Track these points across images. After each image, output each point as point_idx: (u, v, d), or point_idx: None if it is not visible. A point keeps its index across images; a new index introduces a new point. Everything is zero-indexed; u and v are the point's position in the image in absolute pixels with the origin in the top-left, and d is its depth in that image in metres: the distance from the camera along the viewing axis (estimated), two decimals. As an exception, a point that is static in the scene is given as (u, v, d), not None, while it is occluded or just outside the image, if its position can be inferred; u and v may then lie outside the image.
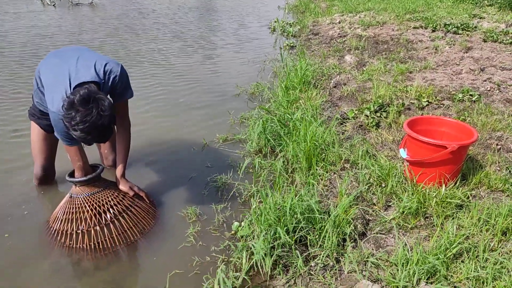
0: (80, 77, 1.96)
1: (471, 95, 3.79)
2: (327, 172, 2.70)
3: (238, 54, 6.51)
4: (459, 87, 4.11)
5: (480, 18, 7.64)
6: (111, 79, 2.08)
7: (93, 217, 2.23)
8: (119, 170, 2.38)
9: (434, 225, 2.14)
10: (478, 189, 2.45)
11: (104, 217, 2.25)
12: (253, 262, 1.94)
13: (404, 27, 7.03)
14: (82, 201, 2.24)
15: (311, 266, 1.96)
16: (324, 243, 2.02)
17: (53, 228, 2.27)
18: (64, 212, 2.25)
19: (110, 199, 2.30)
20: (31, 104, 2.48)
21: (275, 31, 8.51)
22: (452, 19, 7.44)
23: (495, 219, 2.06)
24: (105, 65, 2.06)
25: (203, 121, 3.89)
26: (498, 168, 2.65)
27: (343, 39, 6.54)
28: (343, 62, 5.32)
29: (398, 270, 1.81)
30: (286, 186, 2.56)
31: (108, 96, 2.12)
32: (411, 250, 1.89)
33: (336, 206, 2.19)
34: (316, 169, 2.69)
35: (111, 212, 2.27)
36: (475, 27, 6.62)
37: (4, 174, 2.88)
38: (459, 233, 1.97)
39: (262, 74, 5.34)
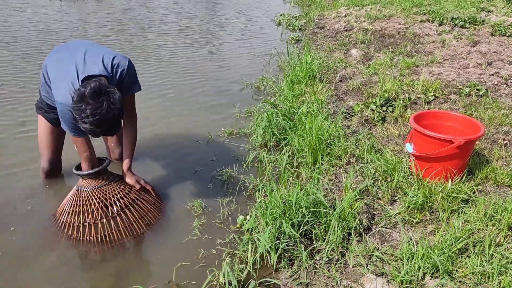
0: (88, 71, 1.97)
1: (478, 89, 3.76)
2: (332, 167, 2.70)
3: (244, 48, 6.49)
4: (466, 81, 4.08)
5: (488, 11, 7.55)
6: (118, 73, 2.09)
7: (100, 210, 2.25)
8: (125, 163, 2.39)
9: (439, 220, 2.14)
10: (485, 184, 2.44)
11: (111, 210, 2.27)
12: (258, 256, 1.95)
13: (411, 20, 6.97)
14: (89, 194, 2.26)
15: (316, 259, 1.97)
16: (329, 237, 2.02)
17: (60, 220, 2.30)
18: (71, 204, 2.27)
19: (116, 192, 2.32)
20: (38, 98, 2.50)
21: (281, 24, 8.46)
22: (460, 12, 7.36)
23: (501, 214, 2.06)
24: (113, 58, 2.06)
25: (208, 115, 3.89)
26: (505, 163, 2.63)
27: (349, 33, 6.50)
28: (349, 56, 5.29)
29: (403, 264, 1.81)
30: (292, 180, 2.57)
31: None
32: (416, 245, 1.89)
33: (342, 200, 2.19)
34: (322, 164, 2.69)
35: (118, 205, 2.29)
36: (483, 20, 6.55)
37: (10, 167, 2.91)
38: (465, 228, 1.97)
39: (267, 68, 5.32)
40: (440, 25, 6.61)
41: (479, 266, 1.76)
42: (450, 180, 2.32)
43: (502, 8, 7.90)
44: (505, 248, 1.88)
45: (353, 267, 1.90)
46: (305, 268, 1.92)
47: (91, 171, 2.25)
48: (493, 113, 3.29)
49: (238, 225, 2.31)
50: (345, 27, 6.93)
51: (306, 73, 4.27)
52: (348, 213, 2.09)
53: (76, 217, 2.25)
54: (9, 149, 3.15)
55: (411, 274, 1.76)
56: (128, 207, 2.32)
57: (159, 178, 2.82)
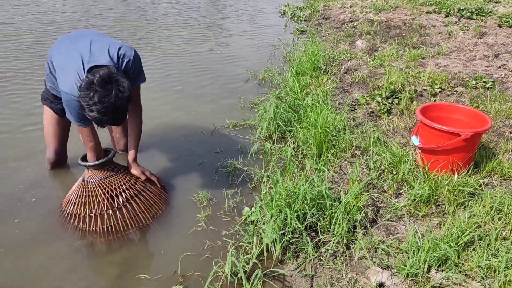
0: (94, 61, 1.96)
1: (484, 82, 3.73)
2: (337, 159, 2.69)
3: (248, 39, 6.44)
4: (473, 73, 4.04)
5: (496, 2, 7.45)
6: (124, 63, 2.08)
7: (106, 200, 2.25)
8: (131, 154, 2.39)
9: (445, 213, 2.14)
10: (491, 177, 2.43)
11: (116, 201, 2.28)
12: (263, 247, 1.96)
13: (417, 11, 6.89)
14: (95, 185, 2.27)
15: (321, 252, 1.97)
16: (334, 230, 2.02)
17: (66, 211, 2.31)
18: (77, 195, 2.28)
19: (122, 183, 2.32)
20: (44, 89, 2.49)
21: (285, 15, 8.39)
22: (467, 3, 7.27)
23: (508, 208, 2.05)
24: (119, 49, 2.05)
25: (212, 106, 3.88)
26: (512, 157, 2.62)
27: (355, 24, 6.44)
28: (354, 47, 5.25)
29: (408, 257, 1.81)
30: (297, 173, 2.56)
31: None
32: (422, 238, 1.89)
33: (347, 192, 2.19)
34: (327, 156, 2.68)
35: (123, 196, 2.29)
36: (490, 12, 6.46)
37: (16, 159, 2.91)
38: (471, 221, 1.96)
39: (272, 59, 5.29)
40: (446, 16, 6.53)
41: (485, 260, 1.76)
42: (456, 173, 2.31)
43: (510, -1, 7.78)
44: None
45: (358, 259, 1.91)
46: (310, 260, 1.92)
47: (97, 162, 2.25)
48: (499, 106, 3.26)
49: (243, 217, 2.31)
50: (350, 18, 6.86)
51: (311, 64, 4.24)
52: (354, 205, 2.09)
53: (82, 208, 2.25)
54: (14, 141, 3.15)
55: (416, 267, 1.76)
56: (134, 198, 2.32)
57: (164, 169, 2.83)
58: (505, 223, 2.00)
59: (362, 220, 2.09)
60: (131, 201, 2.31)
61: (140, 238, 2.24)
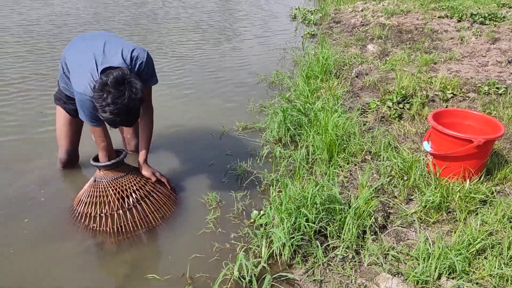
0: (107, 62, 1.98)
1: (497, 88, 3.69)
2: (348, 163, 2.68)
3: (258, 42, 6.45)
4: (485, 79, 4.00)
5: (510, 7, 7.37)
6: (137, 65, 2.10)
7: (116, 201, 2.27)
8: (141, 155, 2.41)
9: (456, 220, 2.11)
10: (503, 185, 2.40)
11: (127, 201, 2.29)
12: (272, 251, 1.95)
13: (429, 16, 6.85)
14: (106, 185, 2.29)
15: (330, 257, 1.96)
16: (343, 235, 2.01)
17: (77, 210, 2.33)
18: (88, 195, 2.30)
19: (133, 184, 2.34)
20: (57, 89, 2.52)
21: (296, 18, 8.40)
22: (479, 8, 7.20)
23: (520, 216, 2.02)
24: (132, 51, 2.07)
25: (222, 109, 3.90)
26: (525, 164, 2.58)
27: (366, 28, 6.42)
28: (365, 51, 5.23)
29: (419, 264, 1.79)
30: (307, 177, 2.56)
31: None
32: (432, 245, 1.87)
33: (357, 197, 2.18)
34: (337, 160, 2.68)
35: (134, 196, 2.31)
36: (504, 17, 6.40)
37: (28, 159, 2.95)
38: (483, 229, 1.94)
39: (282, 62, 5.29)
40: (459, 21, 6.48)
41: (497, 269, 1.74)
42: (468, 180, 2.29)
43: (524, 4, 7.69)
44: (524, 251, 1.85)
45: (368, 265, 1.89)
46: (319, 265, 1.91)
47: (108, 163, 2.27)
48: (513, 112, 3.22)
49: (252, 220, 2.31)
50: (361, 22, 6.84)
51: (321, 68, 4.24)
52: (364, 211, 2.08)
53: (93, 207, 2.27)
54: (26, 141, 3.19)
55: (427, 274, 1.74)
56: (144, 199, 2.34)
57: (174, 171, 2.84)
58: (518, 231, 1.97)
59: (372, 226, 2.08)
60: (141, 202, 2.32)
61: (150, 238, 2.25)
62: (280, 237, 1.93)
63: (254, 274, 1.86)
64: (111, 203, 2.27)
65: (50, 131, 3.24)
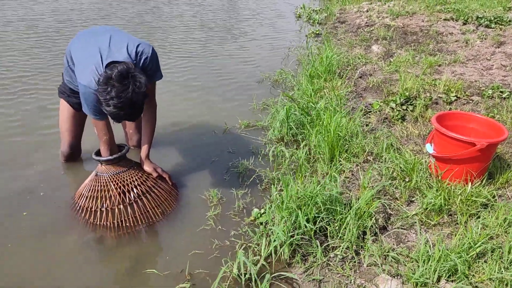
0: (112, 57, 1.98)
1: (501, 91, 3.68)
2: (349, 164, 2.68)
3: (263, 41, 6.44)
4: (489, 83, 3.99)
5: (516, 11, 7.34)
6: (142, 60, 2.10)
7: (117, 196, 2.27)
8: (144, 151, 2.41)
9: (457, 223, 2.11)
10: (505, 189, 2.39)
11: (128, 196, 2.29)
12: (271, 250, 1.95)
13: (434, 18, 6.83)
14: (107, 179, 2.29)
15: (330, 257, 1.96)
16: (344, 235, 2.01)
17: (78, 204, 2.33)
18: (90, 189, 2.31)
19: (134, 179, 2.34)
20: (61, 82, 2.52)
21: (301, 17, 8.38)
22: (485, 12, 7.18)
23: (521, 221, 2.02)
24: (137, 46, 2.07)
25: (225, 106, 3.90)
26: (527, 169, 2.57)
27: (371, 28, 6.41)
28: (369, 52, 5.22)
29: (418, 266, 1.79)
30: (308, 176, 2.55)
31: None
32: (433, 247, 1.87)
33: (358, 198, 2.17)
34: (339, 160, 2.67)
35: (135, 192, 2.31)
36: (510, 21, 6.37)
37: (28, 153, 2.96)
38: (483, 233, 1.94)
39: (286, 61, 5.28)
40: (464, 24, 6.46)
41: (497, 273, 1.73)
42: (470, 183, 2.28)
43: (530, 8, 7.66)
44: (525, 256, 1.85)
45: (367, 266, 1.89)
46: (319, 264, 1.91)
47: (111, 157, 2.27)
48: (516, 116, 3.21)
49: (252, 218, 2.31)
50: (366, 23, 6.82)
51: (325, 68, 4.23)
52: (364, 211, 2.08)
53: (94, 202, 2.28)
54: (27, 136, 3.19)
55: (426, 277, 1.74)
56: (145, 194, 2.34)
57: (175, 167, 2.84)
58: (519, 236, 1.96)
59: (372, 227, 2.07)
60: (142, 197, 2.32)
61: (150, 234, 2.25)
62: (280, 235, 1.93)
63: (253, 272, 1.86)
64: (112, 197, 2.27)
65: (51, 126, 3.24)
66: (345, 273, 1.86)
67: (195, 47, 5.88)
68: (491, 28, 6.12)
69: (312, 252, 1.98)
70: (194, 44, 6.04)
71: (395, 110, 3.34)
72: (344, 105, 3.49)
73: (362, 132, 2.97)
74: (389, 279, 1.76)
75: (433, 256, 1.79)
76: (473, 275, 1.77)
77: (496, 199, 2.26)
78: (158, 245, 2.21)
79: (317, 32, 6.84)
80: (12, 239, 2.15)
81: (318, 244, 1.96)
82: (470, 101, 3.58)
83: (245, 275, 1.82)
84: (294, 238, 1.97)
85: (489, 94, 3.65)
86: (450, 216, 2.17)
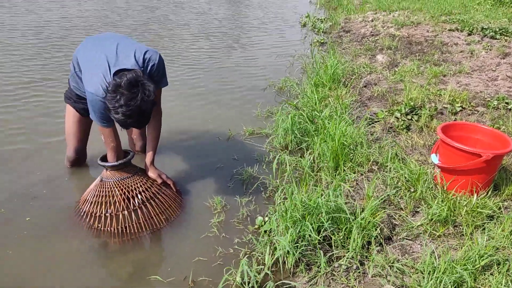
0: (120, 64, 2.00)
1: (506, 103, 3.67)
2: (354, 173, 2.67)
3: (268, 49, 6.47)
4: (495, 93, 3.98)
5: (520, 23, 7.35)
6: (149, 67, 2.11)
7: (122, 201, 2.27)
8: (148, 157, 2.42)
9: (463, 235, 2.09)
10: (511, 200, 2.38)
11: (132, 202, 2.30)
12: (275, 258, 1.94)
13: (439, 28, 6.84)
14: (112, 185, 2.29)
15: (334, 267, 1.95)
16: (348, 245, 2.00)
17: (83, 209, 2.33)
18: (94, 194, 2.31)
19: (139, 185, 2.34)
20: (67, 88, 2.54)
21: (305, 26, 8.42)
22: (490, 23, 7.19)
23: (528, 233, 2.00)
24: (145, 53, 2.09)
25: (229, 113, 3.90)
26: (533, 181, 2.56)
27: (375, 38, 6.43)
28: (374, 61, 5.23)
29: (424, 277, 1.78)
30: (312, 185, 2.55)
31: None
32: (438, 258, 1.85)
33: (363, 208, 2.17)
34: (344, 169, 2.67)
35: (139, 198, 2.31)
36: (515, 32, 6.38)
37: (33, 157, 2.97)
38: (489, 245, 1.92)
39: (291, 69, 5.30)
40: (469, 34, 6.47)
41: (504, 286, 1.72)
42: (475, 194, 2.27)
43: (535, 20, 7.67)
44: (531, 269, 1.83)
45: (372, 277, 1.88)
46: (323, 274, 1.90)
47: (116, 163, 2.28)
48: (522, 128, 3.20)
49: (256, 226, 2.31)
50: (371, 32, 6.85)
51: (330, 76, 4.24)
52: (369, 222, 2.07)
53: (98, 207, 2.28)
54: (32, 141, 3.20)
55: (431, 288, 1.72)
56: (149, 200, 2.34)
57: (179, 173, 2.84)
58: (525, 248, 1.95)
59: (377, 237, 2.06)
60: (147, 203, 2.32)
61: (153, 240, 2.25)
62: (284, 245, 1.92)
63: (257, 281, 1.85)
64: (117, 203, 2.27)
65: (56, 132, 3.25)
66: (350, 283, 1.84)
67: (201, 56, 5.90)
68: (496, 39, 6.13)
69: (316, 262, 1.96)
70: (199, 52, 6.06)
71: (400, 119, 3.34)
72: (349, 114, 3.49)
73: (366, 141, 2.96)
74: (394, 290, 1.74)
75: (438, 267, 1.78)
76: (480, 287, 1.76)
77: (502, 211, 2.25)
78: (161, 251, 2.21)
79: (322, 41, 6.87)
80: (13, 245, 2.14)
81: (322, 253, 1.94)
82: (475, 112, 3.57)
83: (248, 284, 1.81)
84: (298, 248, 1.96)
85: (494, 105, 3.64)
86: (455, 228, 2.15)
